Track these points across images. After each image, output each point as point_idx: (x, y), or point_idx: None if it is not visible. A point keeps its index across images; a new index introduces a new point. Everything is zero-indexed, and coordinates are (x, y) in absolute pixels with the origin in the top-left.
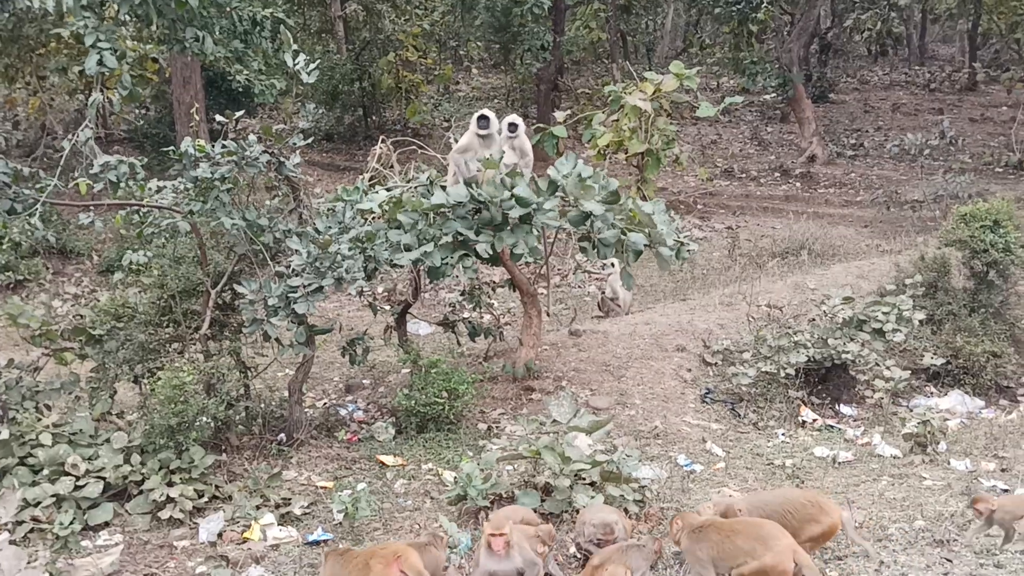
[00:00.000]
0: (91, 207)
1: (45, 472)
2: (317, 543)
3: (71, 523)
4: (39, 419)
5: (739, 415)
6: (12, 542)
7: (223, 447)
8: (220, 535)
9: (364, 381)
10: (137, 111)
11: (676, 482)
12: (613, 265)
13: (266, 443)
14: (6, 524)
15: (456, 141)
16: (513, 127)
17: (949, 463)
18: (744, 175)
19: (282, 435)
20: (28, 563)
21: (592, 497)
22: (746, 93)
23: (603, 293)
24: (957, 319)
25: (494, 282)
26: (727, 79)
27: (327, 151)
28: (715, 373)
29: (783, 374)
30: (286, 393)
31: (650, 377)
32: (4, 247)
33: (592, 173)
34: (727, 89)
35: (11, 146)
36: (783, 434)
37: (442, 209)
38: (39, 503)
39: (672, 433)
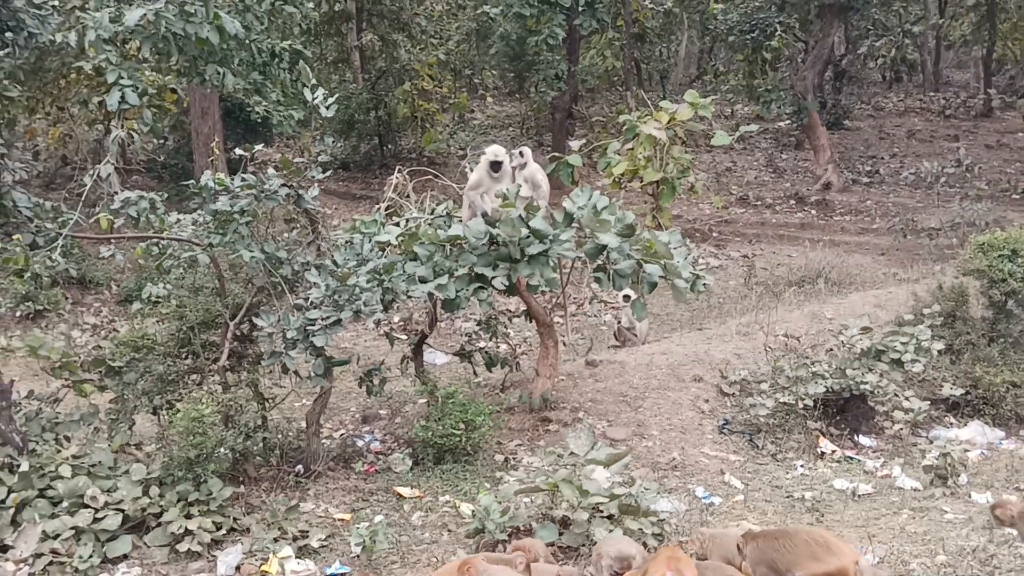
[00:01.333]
0: (112, 240)
1: (64, 504)
2: None
3: (90, 556)
4: (59, 451)
5: (757, 446)
6: None
7: (241, 479)
8: (238, 568)
9: (381, 411)
10: (155, 141)
11: (695, 515)
12: (627, 299)
13: (284, 475)
14: (26, 558)
15: (471, 171)
16: (521, 156)
17: (970, 496)
18: (759, 203)
19: (299, 466)
20: None
21: (611, 530)
22: (760, 121)
23: (619, 322)
24: (976, 349)
25: (510, 311)
26: (741, 106)
27: (343, 180)
28: (733, 404)
29: (801, 405)
30: (303, 424)
31: (667, 408)
32: (25, 279)
33: (608, 204)
34: (741, 116)
35: (31, 176)
36: (802, 466)
37: (458, 241)
38: (58, 536)
39: (690, 465)
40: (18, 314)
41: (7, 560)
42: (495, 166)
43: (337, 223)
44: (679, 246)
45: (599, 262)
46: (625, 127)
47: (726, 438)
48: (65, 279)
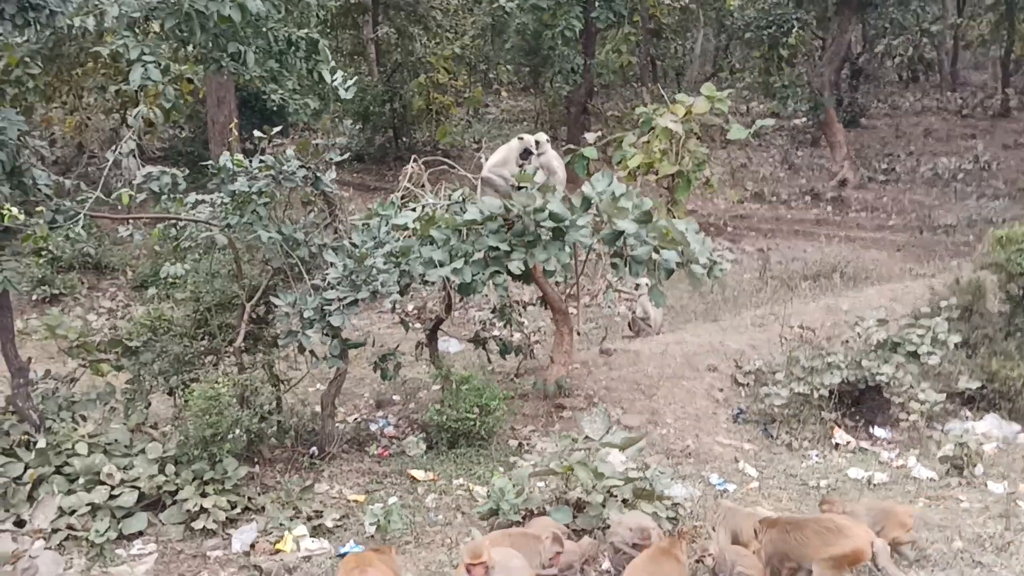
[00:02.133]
0: (130, 220)
1: (81, 481)
2: None
3: (106, 531)
4: (75, 429)
5: (772, 436)
6: (48, 549)
7: (256, 459)
8: (253, 546)
9: (395, 397)
10: (172, 130)
11: (709, 501)
12: (638, 288)
13: (298, 456)
14: (43, 531)
15: (486, 160)
16: (537, 145)
17: (986, 485)
18: (775, 198)
19: (314, 448)
20: (64, 569)
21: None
22: (776, 117)
23: (634, 313)
24: (993, 343)
25: (524, 300)
26: (757, 103)
27: (358, 171)
28: (747, 393)
29: (816, 395)
30: (318, 407)
31: (682, 396)
32: (42, 261)
33: (625, 191)
34: (757, 113)
35: (48, 164)
36: (817, 455)
37: (474, 225)
38: (75, 511)
39: (704, 452)
40: (34, 298)
41: (24, 534)
42: (526, 153)
43: (352, 209)
44: (696, 233)
45: (616, 248)
46: (641, 120)
47: (740, 427)
48: (81, 263)
